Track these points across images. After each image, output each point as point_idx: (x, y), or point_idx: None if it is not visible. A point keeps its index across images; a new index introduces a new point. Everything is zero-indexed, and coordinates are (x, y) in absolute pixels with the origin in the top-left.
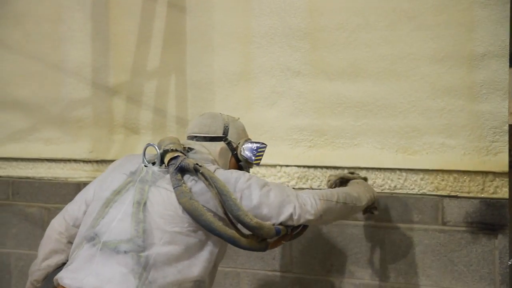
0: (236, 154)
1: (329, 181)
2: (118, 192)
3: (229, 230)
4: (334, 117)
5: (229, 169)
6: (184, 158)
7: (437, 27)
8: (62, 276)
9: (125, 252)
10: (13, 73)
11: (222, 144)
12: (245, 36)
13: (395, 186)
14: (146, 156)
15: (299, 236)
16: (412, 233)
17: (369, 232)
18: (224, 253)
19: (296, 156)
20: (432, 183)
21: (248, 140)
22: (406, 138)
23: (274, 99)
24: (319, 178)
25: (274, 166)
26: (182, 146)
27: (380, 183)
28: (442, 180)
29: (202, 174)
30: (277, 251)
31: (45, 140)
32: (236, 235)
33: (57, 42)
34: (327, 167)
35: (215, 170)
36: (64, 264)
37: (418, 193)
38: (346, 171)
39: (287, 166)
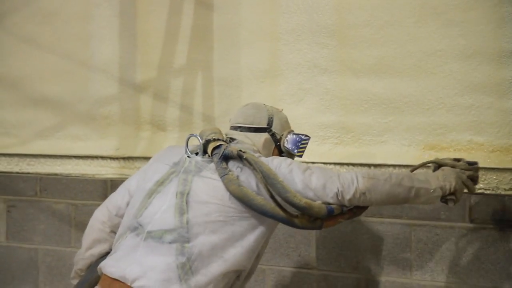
0: (279, 145)
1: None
2: (161, 183)
3: (282, 211)
4: (361, 114)
5: None
6: (227, 146)
7: (466, 23)
8: (106, 265)
9: (170, 243)
10: (42, 70)
11: (266, 135)
12: (272, 33)
13: None
14: (188, 147)
15: (358, 215)
16: (439, 230)
17: (395, 229)
18: (267, 243)
19: (323, 153)
20: None
21: (291, 132)
22: (433, 135)
23: (301, 96)
24: None
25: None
26: (224, 136)
27: None
28: None
29: (246, 159)
30: (302, 248)
31: (73, 137)
32: (288, 215)
33: (85, 39)
34: (353, 164)
35: (258, 157)
36: (107, 253)
37: None
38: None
39: (313, 163)
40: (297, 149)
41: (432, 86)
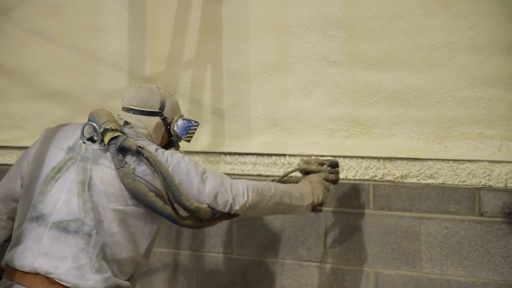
0: (169, 129)
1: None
2: (58, 170)
3: (169, 209)
4: (370, 107)
5: (161, 143)
6: (125, 138)
7: (475, 16)
8: (12, 258)
9: (75, 232)
10: (52, 63)
11: (157, 119)
12: (281, 26)
13: (431, 176)
14: (79, 125)
15: (233, 218)
16: (448, 223)
17: (405, 222)
18: (161, 227)
19: (332, 146)
20: (469, 173)
21: (181, 117)
22: (443, 128)
23: (310, 89)
24: (354, 169)
25: (309, 156)
26: (118, 123)
27: (416, 174)
28: (479, 170)
29: (146, 159)
30: (311, 241)
31: None
32: (175, 214)
33: (95, 32)
34: (362, 157)
35: (156, 150)
36: (6, 241)
37: (455, 183)
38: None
39: (322, 156)
40: (186, 134)
41: (441, 79)
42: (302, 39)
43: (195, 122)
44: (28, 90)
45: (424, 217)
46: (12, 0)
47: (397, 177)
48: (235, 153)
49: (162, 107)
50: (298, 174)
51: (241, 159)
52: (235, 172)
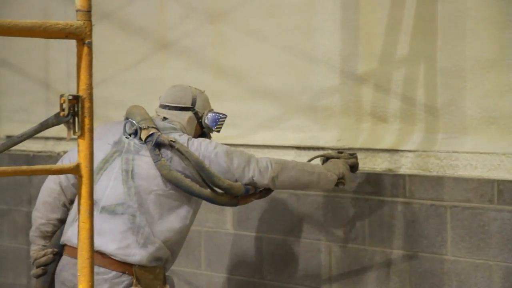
0: (201, 122)
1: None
2: (106, 161)
3: (205, 190)
4: None
5: (194, 134)
6: (159, 135)
7: None
8: (69, 237)
9: (122, 213)
10: (266, 62)
11: (190, 113)
12: (500, 21)
13: None
14: (121, 123)
15: (267, 195)
16: None
17: None
18: (196, 214)
19: None
20: None
21: (211, 111)
22: None
23: None
24: None
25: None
26: (152, 120)
27: None
28: None
29: (177, 150)
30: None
31: (294, 128)
32: (212, 194)
33: (309, 32)
34: None
35: (188, 140)
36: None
37: None
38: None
39: None
40: (215, 126)
41: None
42: None
43: (223, 114)
44: (243, 89)
45: None
46: (231, 2)
47: None
48: (448, 152)
49: (193, 103)
50: None
51: (455, 157)
52: (447, 172)
